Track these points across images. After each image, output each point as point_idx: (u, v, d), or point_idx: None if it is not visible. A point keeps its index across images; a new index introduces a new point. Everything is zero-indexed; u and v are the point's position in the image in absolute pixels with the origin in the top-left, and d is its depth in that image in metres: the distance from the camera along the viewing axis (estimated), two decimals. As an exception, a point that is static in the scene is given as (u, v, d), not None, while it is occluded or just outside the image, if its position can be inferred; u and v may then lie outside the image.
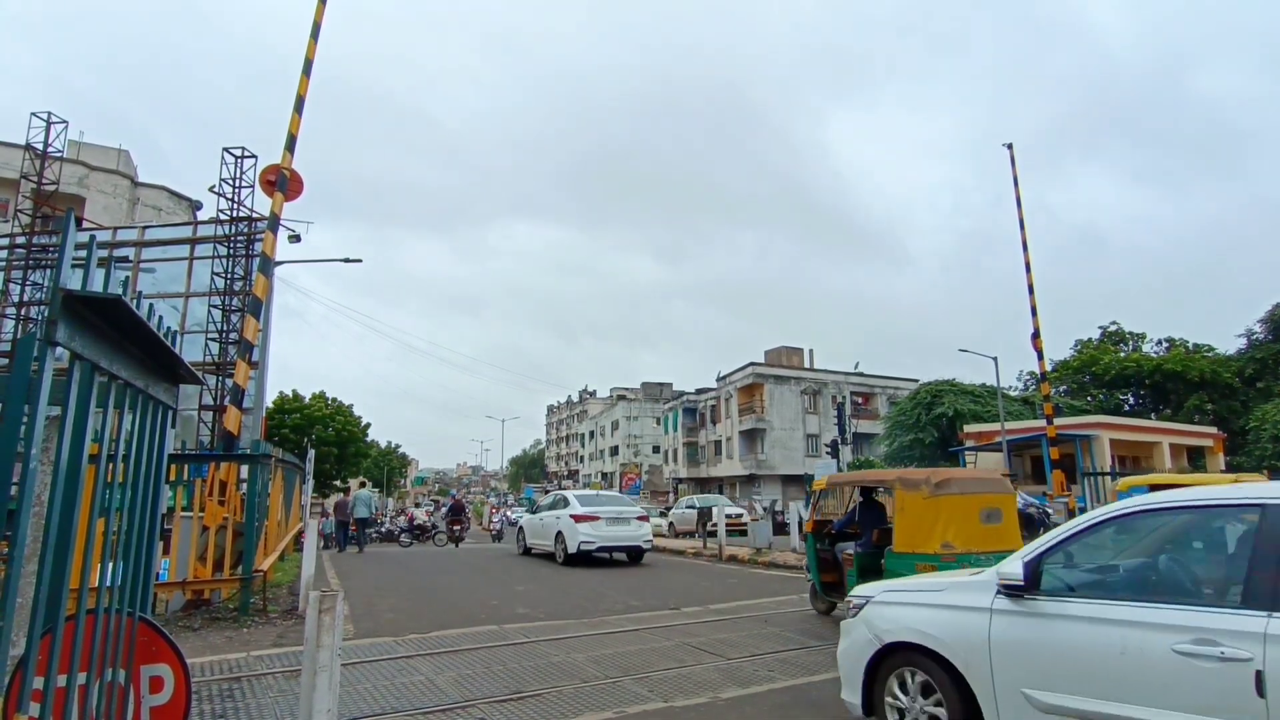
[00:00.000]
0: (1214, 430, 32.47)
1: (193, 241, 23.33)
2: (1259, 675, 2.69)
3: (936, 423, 33.89)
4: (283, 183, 11.97)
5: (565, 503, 16.17)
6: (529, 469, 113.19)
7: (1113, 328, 46.00)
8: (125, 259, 22.64)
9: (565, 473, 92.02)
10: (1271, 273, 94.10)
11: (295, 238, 21.29)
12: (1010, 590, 3.53)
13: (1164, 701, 2.93)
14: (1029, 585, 3.47)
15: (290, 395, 42.20)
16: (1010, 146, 23.52)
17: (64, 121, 23.11)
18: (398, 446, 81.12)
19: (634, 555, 15.53)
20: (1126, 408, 41.41)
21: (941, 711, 3.76)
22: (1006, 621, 3.53)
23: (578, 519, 14.94)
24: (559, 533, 15.43)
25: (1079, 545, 3.60)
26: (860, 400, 54.63)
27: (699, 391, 63.80)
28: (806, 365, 56.77)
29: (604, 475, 74.16)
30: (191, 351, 20.04)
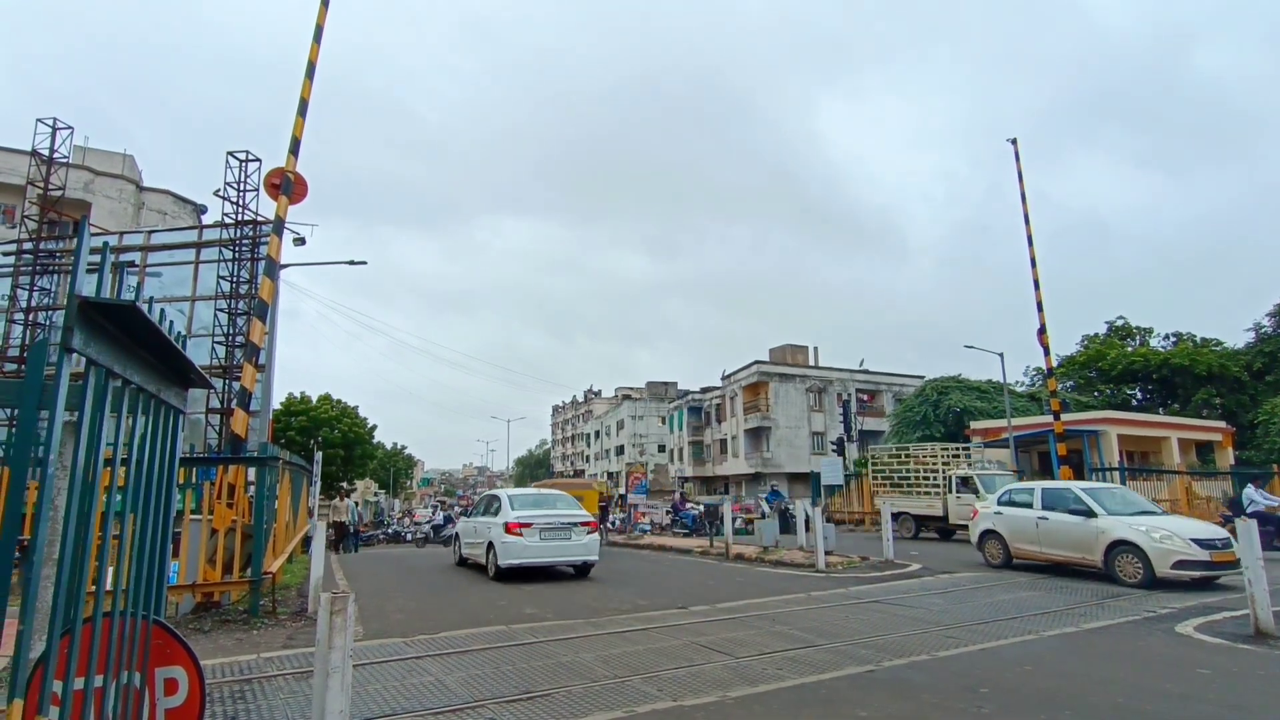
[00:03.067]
0: (1223, 424, 32.28)
1: (198, 245, 23.48)
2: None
3: (943, 419, 33.80)
4: (287, 186, 12.01)
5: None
6: (535, 469, 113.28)
7: (1119, 322, 45.79)
8: (132, 263, 22.75)
9: (571, 473, 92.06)
10: (1277, 261, 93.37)
11: (300, 240, 21.36)
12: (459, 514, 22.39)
13: (476, 537, 13.91)
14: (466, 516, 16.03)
15: (298, 397, 42.33)
16: (1015, 141, 23.44)
17: (69, 127, 23.26)
18: (404, 448, 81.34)
19: None
20: (1134, 403, 41.22)
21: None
22: (465, 522, 15.52)
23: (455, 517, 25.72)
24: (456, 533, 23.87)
25: (476, 505, 15.76)
26: (865, 398, 54.54)
27: (704, 390, 63.80)
28: (811, 363, 56.70)
29: (609, 475, 74.15)
30: (198, 355, 20.06)
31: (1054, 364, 25.58)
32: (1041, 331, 22.62)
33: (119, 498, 2.61)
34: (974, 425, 30.21)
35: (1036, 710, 4.97)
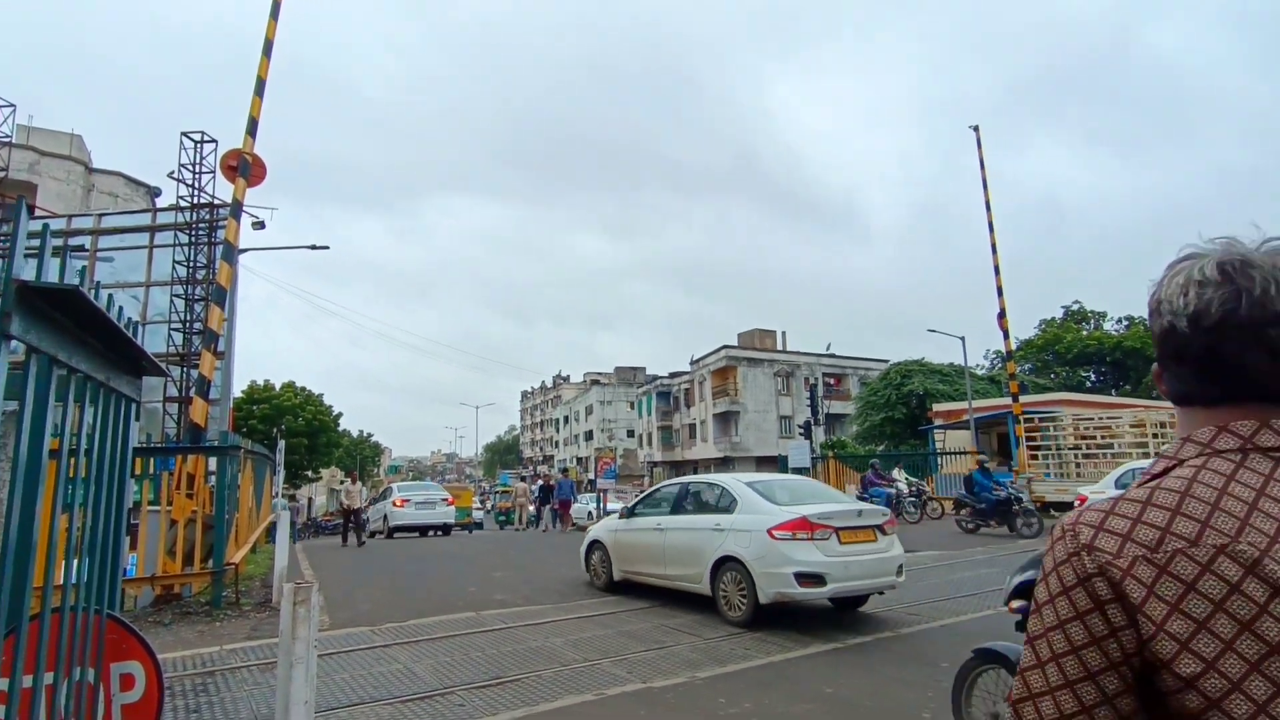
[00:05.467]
0: (1172, 404, 33.41)
1: (152, 229, 22.70)
2: None
3: (906, 402, 34.44)
4: (245, 168, 11.68)
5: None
6: (504, 455, 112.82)
7: (1075, 306, 47.07)
8: (81, 248, 21.95)
9: (540, 458, 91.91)
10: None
11: (259, 224, 20.83)
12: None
13: (379, 513, 22.96)
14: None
15: (260, 385, 41.47)
16: (977, 129, 23.79)
17: (11, 105, 22.28)
18: (370, 435, 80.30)
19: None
20: (1089, 384, 42.45)
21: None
22: (375, 506, 24.18)
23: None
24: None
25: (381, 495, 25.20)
26: (832, 381, 55.23)
27: (673, 375, 64.00)
28: (779, 347, 57.19)
29: (579, 460, 74.20)
30: (154, 342, 19.54)
31: (1013, 347, 26.19)
32: (1001, 316, 23.13)
33: (69, 490, 2.52)
34: (936, 408, 30.83)
35: (994, 683, 5.12)
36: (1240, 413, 0.83)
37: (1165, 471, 0.85)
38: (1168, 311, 0.87)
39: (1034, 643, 0.82)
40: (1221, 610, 0.72)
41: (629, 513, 9.51)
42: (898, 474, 21.41)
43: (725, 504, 7.84)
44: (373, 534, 22.27)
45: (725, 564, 7.38)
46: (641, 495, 10.31)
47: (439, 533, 21.27)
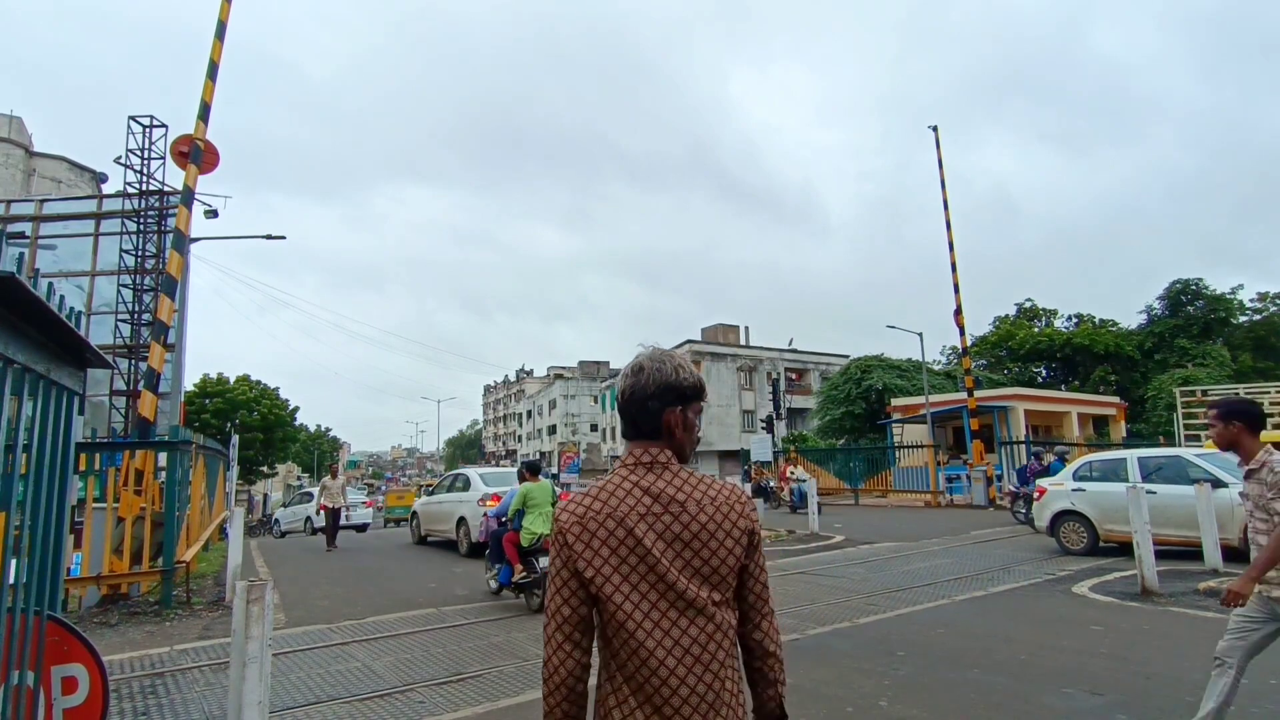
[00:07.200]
0: (1117, 400, 34.61)
1: (98, 216, 21.81)
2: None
3: (865, 396, 35.03)
4: (196, 154, 11.31)
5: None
6: (466, 449, 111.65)
7: (1027, 304, 48.38)
8: (21, 234, 21.01)
9: (503, 452, 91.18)
10: (1166, 242, 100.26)
11: (212, 213, 20.18)
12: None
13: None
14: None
15: (214, 379, 40.34)
16: (936, 129, 24.26)
17: (-57, 83, 21.18)
18: (328, 430, 78.69)
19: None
20: (1040, 379, 43.71)
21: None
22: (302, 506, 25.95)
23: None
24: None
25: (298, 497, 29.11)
26: (794, 376, 55.90)
27: (637, 369, 63.93)
28: (742, 342, 57.64)
29: (542, 454, 73.77)
30: (100, 334, 18.84)
31: (968, 343, 26.85)
32: (958, 313, 23.69)
33: (6, 486, 2.42)
34: (894, 402, 31.44)
35: (948, 669, 5.26)
36: (638, 445, 1.50)
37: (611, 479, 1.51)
38: (618, 387, 1.53)
39: (551, 571, 1.47)
40: (604, 543, 1.40)
41: (429, 494, 15.75)
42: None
43: (467, 487, 13.30)
44: (284, 534, 25.21)
45: (461, 521, 13.01)
46: (437, 483, 16.48)
47: (357, 530, 24.58)
